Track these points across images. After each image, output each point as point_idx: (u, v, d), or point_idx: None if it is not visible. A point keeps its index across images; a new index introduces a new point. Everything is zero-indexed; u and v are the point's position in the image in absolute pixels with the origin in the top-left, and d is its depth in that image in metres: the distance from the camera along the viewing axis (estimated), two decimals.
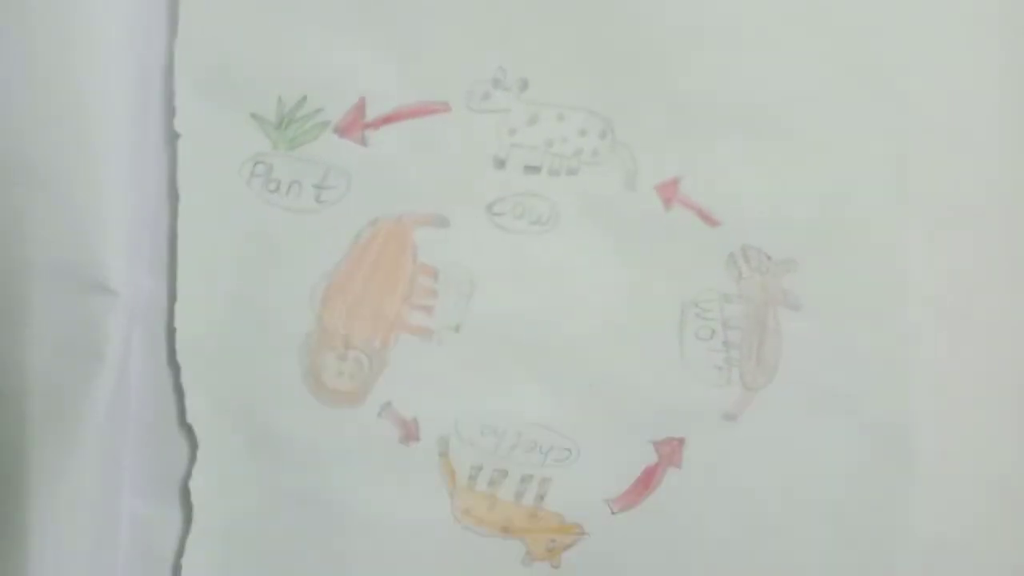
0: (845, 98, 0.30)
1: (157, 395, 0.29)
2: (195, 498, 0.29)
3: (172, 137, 0.28)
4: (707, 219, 0.30)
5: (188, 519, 0.29)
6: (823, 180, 0.30)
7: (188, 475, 0.29)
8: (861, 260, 0.30)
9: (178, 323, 0.28)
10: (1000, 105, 0.30)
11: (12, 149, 0.26)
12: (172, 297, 0.28)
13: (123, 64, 0.27)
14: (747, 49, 0.29)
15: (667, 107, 0.29)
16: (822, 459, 0.30)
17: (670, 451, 0.30)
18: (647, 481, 0.30)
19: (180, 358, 0.29)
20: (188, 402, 0.29)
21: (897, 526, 0.30)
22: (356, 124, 0.29)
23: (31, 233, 0.27)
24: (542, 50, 0.29)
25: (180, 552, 0.29)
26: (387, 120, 0.29)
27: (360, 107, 0.29)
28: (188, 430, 0.29)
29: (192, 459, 0.29)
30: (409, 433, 0.29)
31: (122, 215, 0.27)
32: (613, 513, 0.30)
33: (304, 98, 0.29)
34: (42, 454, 0.27)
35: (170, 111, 0.28)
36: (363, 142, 0.29)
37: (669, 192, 0.30)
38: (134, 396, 0.29)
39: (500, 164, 0.29)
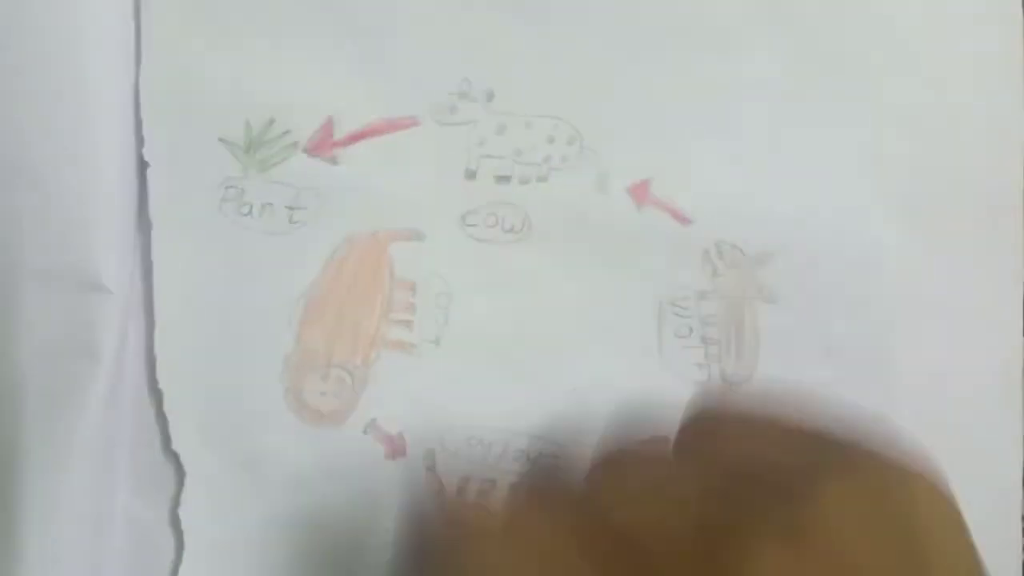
0: (816, 92, 0.30)
1: (153, 396, 0.29)
2: (185, 524, 0.29)
3: (143, 166, 0.28)
4: (679, 218, 0.30)
5: (180, 544, 0.29)
6: (795, 173, 0.30)
7: (177, 502, 0.29)
8: (837, 252, 0.30)
9: (157, 350, 0.28)
10: (974, 94, 0.31)
11: (5, 151, 0.26)
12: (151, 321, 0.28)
13: (118, 67, 0.27)
14: (712, 47, 0.30)
15: (635, 109, 0.30)
16: None
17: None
18: None
19: (162, 386, 0.29)
20: (172, 430, 0.29)
21: None
22: (325, 144, 0.29)
23: (24, 233, 0.26)
24: (506, 59, 0.29)
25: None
26: (356, 138, 0.29)
27: (328, 126, 0.29)
28: (175, 455, 0.29)
29: (180, 485, 0.29)
30: (395, 449, 0.29)
31: (115, 214, 0.27)
32: None
33: (272, 120, 0.29)
34: (36, 454, 0.27)
35: (139, 140, 0.28)
36: (333, 161, 0.29)
37: (640, 193, 0.30)
38: (130, 395, 0.28)
39: (471, 175, 0.29)
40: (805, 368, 0.30)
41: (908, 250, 0.30)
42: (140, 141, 0.28)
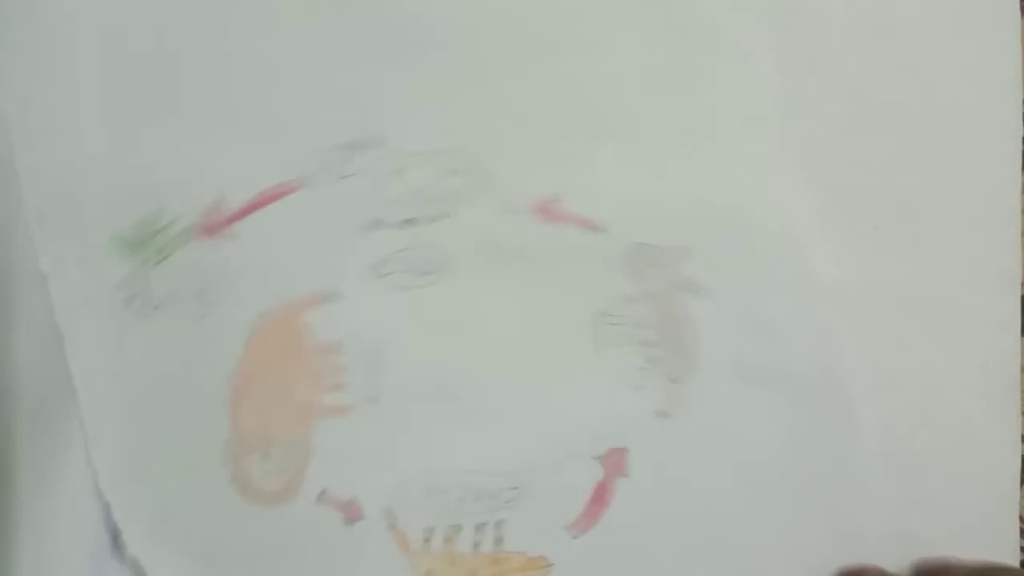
0: (704, 85, 0.29)
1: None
2: None
3: (41, 279, 0.27)
4: (592, 227, 0.29)
5: None
6: (700, 167, 0.29)
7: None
8: (754, 236, 0.29)
9: (96, 464, 0.28)
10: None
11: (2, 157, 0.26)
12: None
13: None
14: (594, 51, 0.29)
15: (528, 126, 0.29)
16: (764, 435, 0.30)
17: (615, 462, 0.30)
18: (600, 498, 0.29)
19: (107, 497, 0.28)
20: (125, 536, 0.28)
21: (852, 486, 0.30)
22: (220, 221, 0.28)
23: (15, 232, 0.26)
24: (391, 101, 0.28)
25: None
26: (251, 209, 0.28)
27: (220, 203, 0.28)
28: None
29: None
30: (352, 514, 0.29)
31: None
32: (575, 537, 0.29)
33: (161, 209, 0.28)
34: (29, 451, 0.27)
35: (34, 254, 0.27)
36: (232, 237, 0.28)
37: (549, 210, 0.29)
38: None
39: (377, 224, 0.29)
40: (745, 355, 0.30)
41: (830, 231, 0.30)
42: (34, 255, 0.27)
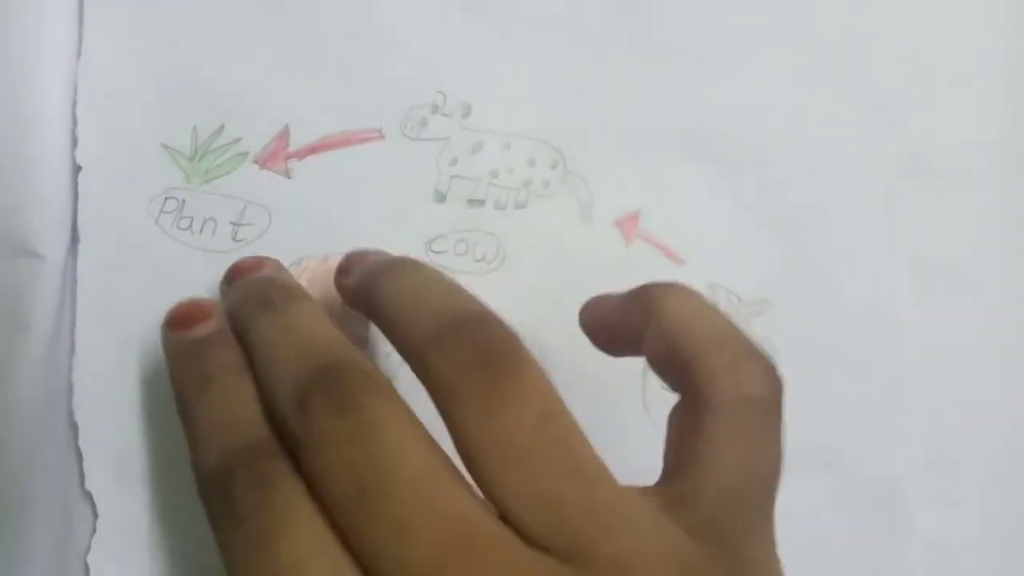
0: (822, 120, 0.27)
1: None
2: (94, 574, 0.25)
3: (74, 169, 0.25)
4: (671, 256, 0.27)
5: None
6: (797, 211, 0.27)
7: (88, 548, 0.25)
8: (840, 301, 0.27)
9: (76, 379, 0.25)
10: (1000, 126, 0.28)
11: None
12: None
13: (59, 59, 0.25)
14: (710, 70, 0.27)
15: (624, 134, 0.27)
16: (811, 520, 0.27)
17: None
18: None
19: (78, 418, 0.25)
20: (86, 467, 0.25)
21: None
22: (279, 155, 0.26)
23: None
24: (486, 72, 0.27)
25: None
26: (313, 150, 0.26)
27: (283, 136, 0.26)
28: (88, 495, 0.25)
29: (92, 530, 0.25)
30: None
31: (53, 178, 0.25)
32: None
33: (221, 127, 0.26)
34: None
35: (72, 141, 0.25)
36: (287, 174, 0.26)
37: (629, 227, 0.27)
38: (61, 374, 0.25)
39: (440, 197, 0.26)
40: (807, 429, 0.26)
41: (922, 298, 0.27)
42: (73, 142, 0.25)
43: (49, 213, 0.25)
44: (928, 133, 0.28)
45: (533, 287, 0.27)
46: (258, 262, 0.24)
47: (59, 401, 0.25)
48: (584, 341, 0.26)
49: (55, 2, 0.25)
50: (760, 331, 0.27)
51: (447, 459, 0.17)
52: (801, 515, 0.27)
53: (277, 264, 0.25)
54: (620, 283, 0.27)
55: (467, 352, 0.17)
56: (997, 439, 0.28)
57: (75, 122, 0.25)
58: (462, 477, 0.17)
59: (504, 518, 0.17)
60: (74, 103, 0.25)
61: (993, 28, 0.28)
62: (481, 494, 0.17)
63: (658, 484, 0.19)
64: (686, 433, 0.19)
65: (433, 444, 0.17)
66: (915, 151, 0.28)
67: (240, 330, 0.21)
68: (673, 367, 0.20)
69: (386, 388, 0.18)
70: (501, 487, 0.17)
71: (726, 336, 0.19)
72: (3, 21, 0.24)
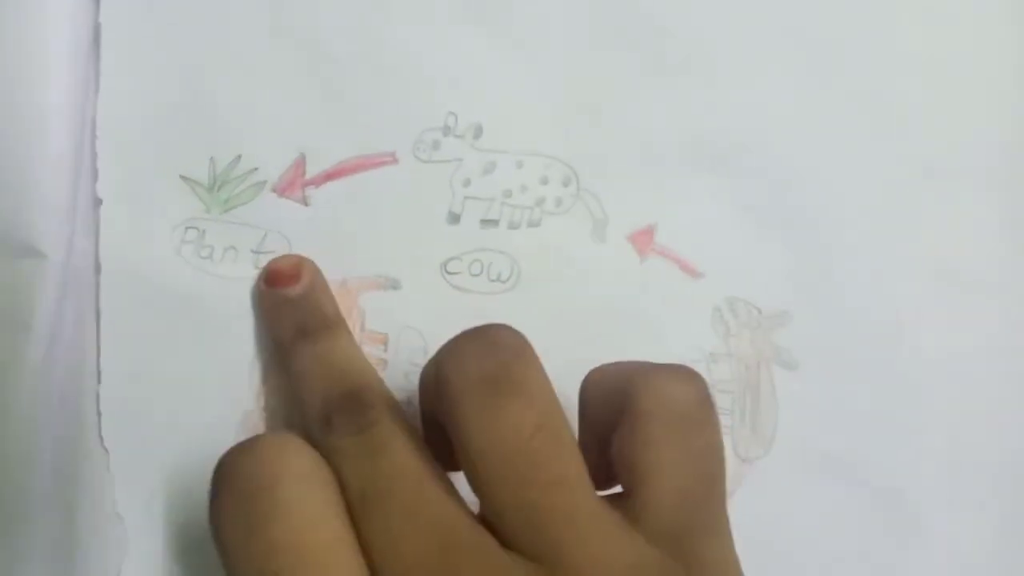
0: (834, 130, 0.27)
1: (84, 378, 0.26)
2: None
3: (96, 203, 0.26)
4: (687, 270, 0.27)
5: None
6: (811, 221, 0.27)
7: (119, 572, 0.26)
8: (860, 312, 0.27)
9: (103, 407, 0.26)
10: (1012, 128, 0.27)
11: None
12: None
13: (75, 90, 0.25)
14: (722, 83, 0.27)
15: (636, 149, 0.27)
16: (826, 533, 0.26)
17: None
18: None
19: (108, 444, 0.26)
20: (118, 493, 0.26)
21: None
22: (296, 183, 0.26)
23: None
24: (496, 93, 0.27)
25: None
26: (329, 176, 0.26)
27: (300, 164, 0.26)
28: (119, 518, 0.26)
29: (123, 553, 0.26)
30: None
31: (54, 177, 0.25)
32: None
33: (239, 157, 0.26)
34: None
35: (93, 174, 0.26)
36: (304, 201, 0.26)
37: (644, 242, 0.27)
38: (60, 375, 0.25)
39: (454, 219, 0.27)
40: (825, 440, 0.26)
41: (939, 313, 0.27)
42: (94, 175, 0.26)
43: (50, 213, 0.25)
44: (949, 141, 0.27)
45: (548, 305, 0.27)
46: (296, 268, 0.26)
47: (59, 401, 0.25)
48: (598, 359, 0.26)
49: (56, 2, 0.25)
50: (781, 342, 0.27)
51: (440, 473, 0.20)
52: (818, 525, 0.26)
53: (314, 269, 0.26)
54: (636, 299, 0.27)
55: (473, 364, 0.20)
56: (1014, 444, 0.27)
57: (95, 156, 0.26)
58: (452, 487, 0.20)
59: (489, 522, 0.19)
60: (94, 138, 0.26)
61: (1001, 29, 0.28)
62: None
63: (622, 496, 0.20)
64: (627, 446, 0.20)
65: (429, 459, 0.20)
66: (930, 162, 0.27)
67: (281, 354, 0.25)
68: (614, 408, 0.21)
69: (396, 411, 0.21)
70: (489, 495, 0.19)
71: (646, 363, 0.22)
72: (3, 21, 0.24)
